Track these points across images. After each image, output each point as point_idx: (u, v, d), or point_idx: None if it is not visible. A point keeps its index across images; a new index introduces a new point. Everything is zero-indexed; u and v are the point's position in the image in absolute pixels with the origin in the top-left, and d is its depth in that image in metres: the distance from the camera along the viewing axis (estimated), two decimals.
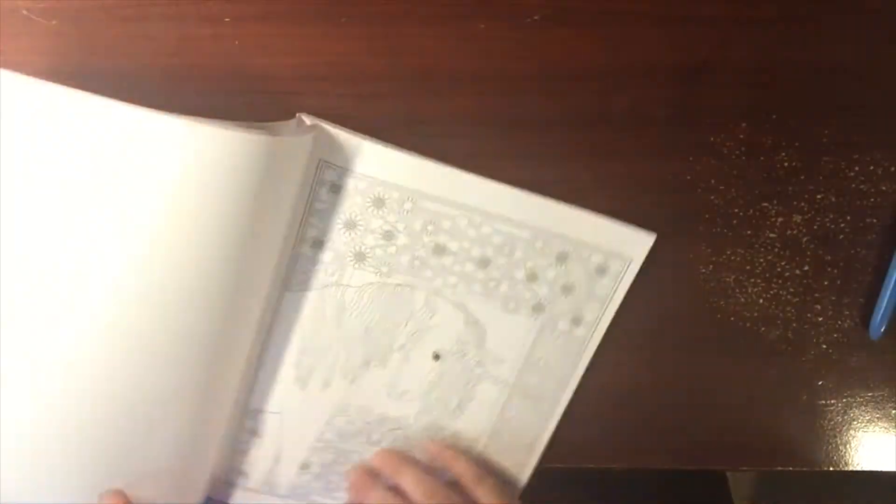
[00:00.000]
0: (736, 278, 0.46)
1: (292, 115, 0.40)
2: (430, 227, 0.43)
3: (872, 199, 0.44)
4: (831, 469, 0.51)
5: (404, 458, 0.48)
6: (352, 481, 0.48)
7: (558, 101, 0.41)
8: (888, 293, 0.45)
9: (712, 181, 0.43)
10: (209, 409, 0.43)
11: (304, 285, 0.44)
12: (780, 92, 0.41)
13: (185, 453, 0.43)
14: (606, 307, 0.45)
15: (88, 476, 0.41)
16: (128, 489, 0.42)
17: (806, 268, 0.46)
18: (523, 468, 0.49)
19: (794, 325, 0.47)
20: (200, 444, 0.44)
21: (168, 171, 0.34)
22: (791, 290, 0.46)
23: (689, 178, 0.43)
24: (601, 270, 0.44)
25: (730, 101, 0.41)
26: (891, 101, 0.41)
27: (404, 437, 0.48)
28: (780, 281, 0.46)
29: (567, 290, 0.44)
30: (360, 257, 0.43)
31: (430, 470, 0.47)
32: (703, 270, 0.45)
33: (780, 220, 0.44)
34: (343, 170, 0.41)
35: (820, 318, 0.47)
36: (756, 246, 0.45)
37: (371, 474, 0.48)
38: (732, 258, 0.45)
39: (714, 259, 0.45)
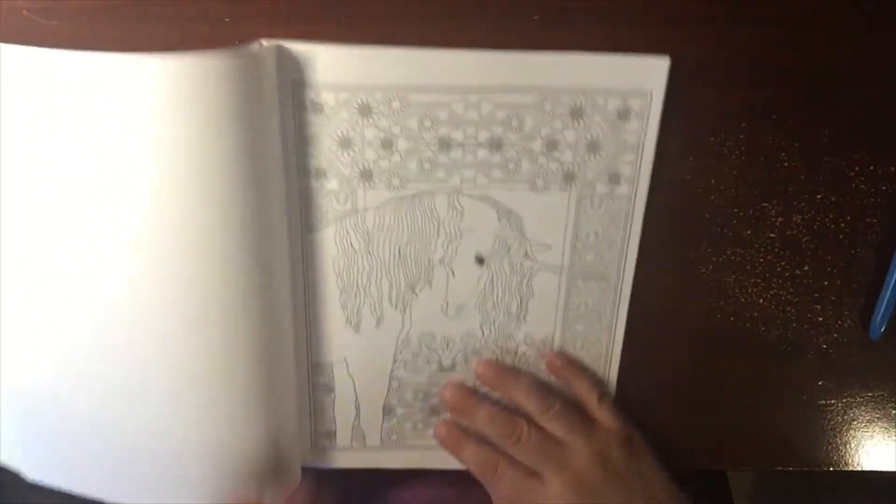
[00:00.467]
0: (736, 278, 0.46)
1: None
2: (427, 123, 0.39)
3: (872, 199, 0.44)
4: (831, 469, 0.51)
5: (510, 372, 0.46)
6: (442, 438, 0.47)
7: None
8: (888, 293, 0.45)
9: (712, 181, 0.43)
10: (271, 368, 0.42)
11: (323, 222, 0.42)
12: (780, 92, 0.41)
13: (268, 427, 0.43)
14: (642, 155, 0.41)
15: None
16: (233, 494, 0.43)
17: (806, 268, 0.45)
18: (606, 362, 0.47)
19: (794, 325, 0.47)
20: (277, 412, 0.43)
21: (139, 110, 0.34)
22: (791, 290, 0.46)
23: (688, 178, 0.43)
24: (623, 114, 0.40)
25: (730, 101, 0.41)
26: (891, 102, 0.41)
27: (475, 354, 0.46)
28: (780, 281, 0.46)
29: (593, 147, 0.41)
30: (366, 175, 0.41)
31: (540, 383, 0.46)
32: (703, 270, 0.45)
33: (780, 220, 0.44)
34: (318, 85, 0.38)
35: (820, 318, 0.47)
36: (756, 246, 0.45)
37: (459, 428, 0.46)
38: (732, 258, 0.45)
39: (714, 259, 0.45)
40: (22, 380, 0.42)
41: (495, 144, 0.40)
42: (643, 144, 0.41)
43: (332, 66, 0.38)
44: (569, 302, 0.45)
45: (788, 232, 0.44)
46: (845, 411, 0.49)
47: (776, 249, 0.45)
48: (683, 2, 0.38)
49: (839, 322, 0.47)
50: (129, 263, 0.38)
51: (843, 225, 0.44)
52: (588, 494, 0.42)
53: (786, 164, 0.42)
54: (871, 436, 0.50)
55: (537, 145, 0.40)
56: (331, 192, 0.41)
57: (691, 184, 0.43)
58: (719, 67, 0.40)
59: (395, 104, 0.39)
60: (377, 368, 0.46)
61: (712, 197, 0.43)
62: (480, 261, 0.43)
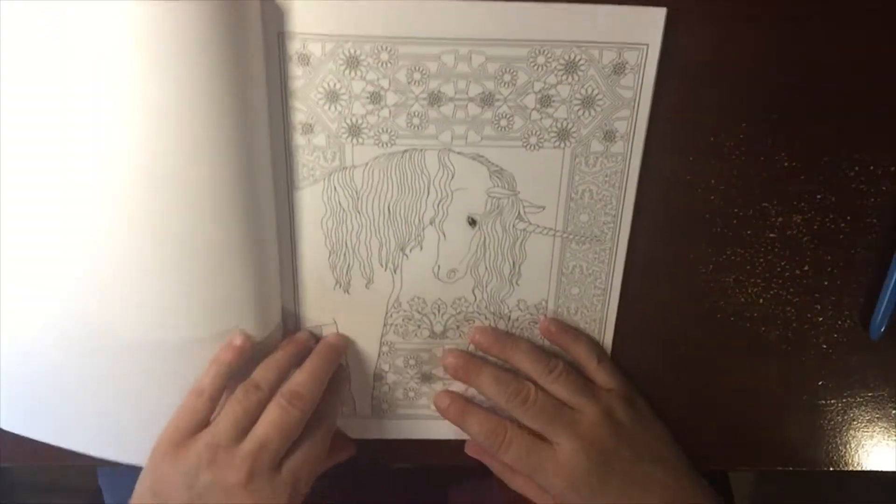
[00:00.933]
0: (736, 278, 0.46)
1: None
2: (416, 76, 0.39)
3: (872, 199, 0.43)
4: (831, 469, 0.51)
5: (507, 336, 0.45)
6: (444, 407, 0.45)
7: None
8: (888, 293, 0.44)
9: (712, 181, 0.43)
10: (259, 329, 0.42)
11: (309, 178, 0.41)
12: (780, 92, 0.41)
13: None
14: (637, 110, 0.40)
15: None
16: None
17: (806, 268, 0.45)
18: (601, 327, 0.46)
19: (794, 325, 0.47)
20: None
21: (117, 54, 0.34)
22: (791, 290, 0.46)
23: (688, 178, 0.43)
24: (618, 68, 0.39)
25: (730, 101, 0.41)
26: (891, 101, 0.41)
27: (467, 320, 0.45)
28: (780, 281, 0.46)
29: (588, 103, 0.40)
30: (354, 131, 0.40)
31: (539, 346, 0.45)
32: (703, 270, 0.45)
33: (780, 220, 0.44)
34: (304, 36, 0.37)
35: (820, 318, 0.47)
36: (756, 246, 0.45)
37: (473, 355, 0.45)
38: (732, 258, 0.45)
39: (714, 259, 0.45)
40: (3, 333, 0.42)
41: (487, 100, 0.40)
42: (639, 100, 0.40)
43: (318, 15, 0.37)
44: (563, 265, 0.44)
45: (788, 232, 0.44)
46: (845, 411, 0.49)
47: (776, 249, 0.45)
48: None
49: (839, 322, 0.47)
50: (111, 218, 0.38)
51: (843, 225, 0.44)
52: (599, 454, 0.41)
53: (786, 164, 0.42)
54: (871, 436, 0.50)
55: (530, 101, 0.40)
56: (318, 148, 0.40)
57: (691, 184, 0.43)
58: (719, 67, 0.40)
59: (384, 56, 0.38)
60: (367, 333, 0.46)
61: (712, 197, 0.43)
62: (473, 222, 0.42)
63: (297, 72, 0.39)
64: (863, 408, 0.49)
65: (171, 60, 0.35)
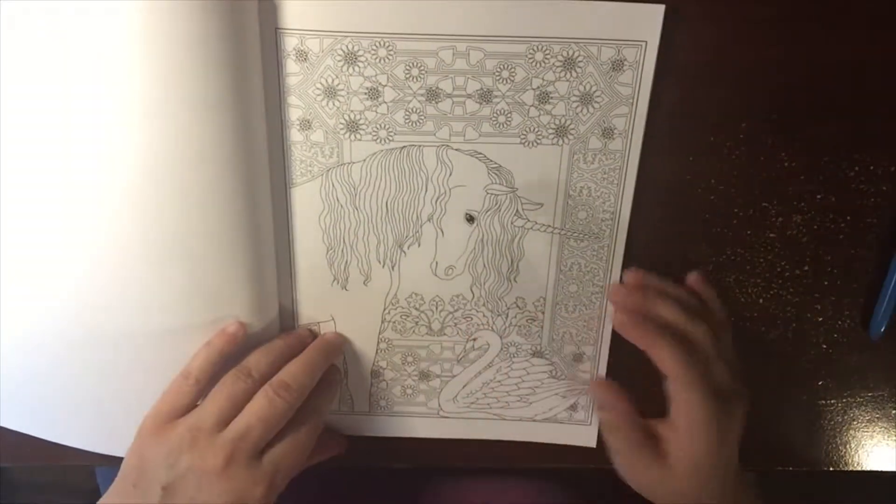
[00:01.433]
0: (736, 278, 0.46)
1: None
2: (414, 72, 0.39)
3: (872, 199, 0.43)
4: (831, 469, 0.51)
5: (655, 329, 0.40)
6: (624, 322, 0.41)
7: None
8: (888, 293, 0.44)
9: (712, 181, 0.43)
10: (256, 325, 0.42)
11: (307, 175, 0.41)
12: (780, 92, 0.41)
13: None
14: (636, 107, 0.40)
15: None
16: None
17: (806, 268, 0.45)
18: (600, 325, 0.46)
19: (794, 325, 0.47)
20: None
21: (115, 49, 0.34)
22: (791, 290, 0.46)
23: (688, 177, 0.43)
24: (616, 65, 0.39)
25: (730, 101, 0.41)
26: (891, 101, 0.41)
27: (465, 317, 0.45)
28: (780, 281, 0.46)
29: (586, 100, 0.40)
30: (352, 127, 0.40)
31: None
32: (703, 270, 0.45)
33: (780, 220, 0.44)
34: (302, 32, 0.37)
35: (820, 318, 0.47)
36: (756, 246, 0.45)
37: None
38: (732, 258, 0.45)
39: (714, 259, 0.45)
40: None
41: (485, 96, 0.40)
42: (637, 97, 0.40)
43: (315, 11, 0.37)
44: (561, 262, 0.44)
45: (788, 232, 0.44)
46: (845, 411, 0.49)
47: (776, 249, 0.45)
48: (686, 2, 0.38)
49: (839, 322, 0.47)
50: (109, 215, 0.38)
51: (843, 225, 0.44)
52: (721, 441, 0.40)
53: (786, 164, 0.42)
54: (871, 436, 0.50)
55: (528, 97, 0.40)
56: (316, 145, 0.41)
57: (691, 184, 0.43)
58: (720, 67, 0.40)
59: (382, 52, 0.38)
60: (365, 329, 0.46)
61: (712, 197, 0.43)
62: (470, 219, 0.42)
63: (294, 68, 0.39)
64: (863, 408, 0.49)
65: (169, 57, 0.35)
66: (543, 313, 0.45)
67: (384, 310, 0.45)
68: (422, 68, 0.39)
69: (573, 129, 0.41)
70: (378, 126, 0.40)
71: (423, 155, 0.41)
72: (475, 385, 0.47)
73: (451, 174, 0.42)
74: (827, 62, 0.40)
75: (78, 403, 0.44)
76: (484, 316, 0.45)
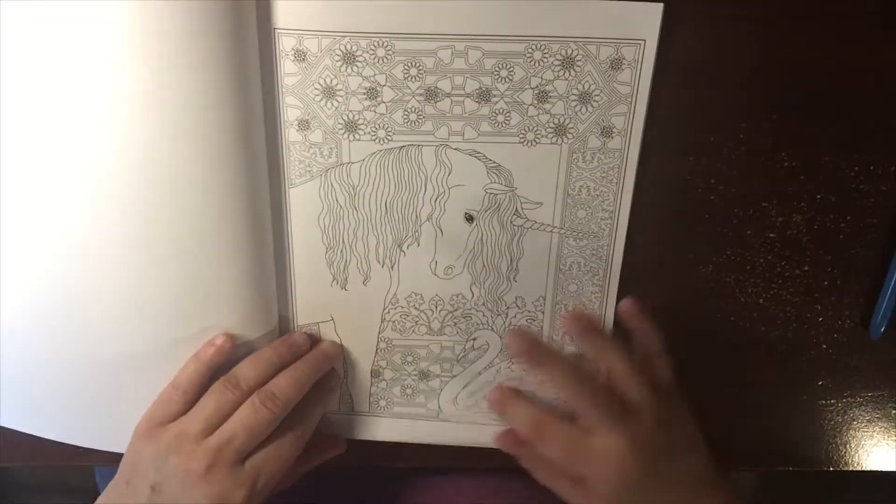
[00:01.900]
0: (736, 278, 0.45)
1: None
2: (412, 71, 0.39)
3: (872, 199, 0.43)
4: (831, 469, 0.51)
5: (547, 350, 0.40)
6: (520, 348, 0.40)
7: None
8: (888, 293, 0.44)
9: (712, 181, 0.43)
10: (256, 327, 0.42)
11: (306, 175, 0.41)
12: (780, 92, 0.41)
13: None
14: (634, 106, 0.40)
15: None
16: None
17: (806, 268, 0.45)
18: (600, 323, 0.45)
19: (794, 325, 0.47)
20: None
21: (112, 50, 0.35)
22: (791, 290, 0.46)
23: (688, 178, 0.43)
24: (615, 64, 0.39)
25: (730, 101, 0.41)
26: (890, 101, 0.41)
27: (464, 317, 0.45)
28: (780, 281, 0.46)
29: (584, 99, 0.40)
30: (351, 127, 0.40)
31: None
32: (703, 270, 0.45)
33: (780, 220, 0.44)
34: (300, 32, 0.37)
35: (820, 318, 0.47)
36: (756, 246, 0.45)
37: (512, 390, 0.42)
38: (732, 258, 0.45)
39: (714, 259, 0.45)
40: None
41: (484, 95, 0.39)
42: (636, 95, 0.39)
43: (314, 11, 0.37)
44: (560, 262, 0.44)
45: (788, 232, 0.44)
46: (845, 411, 0.49)
47: (776, 249, 0.45)
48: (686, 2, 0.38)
49: (839, 322, 0.47)
50: (107, 217, 0.38)
51: (843, 225, 0.44)
52: (650, 452, 0.39)
53: (786, 164, 0.42)
54: (871, 436, 0.50)
55: (527, 96, 0.40)
56: (314, 145, 0.40)
57: (691, 184, 0.43)
58: (720, 67, 0.40)
59: (380, 52, 0.38)
60: (365, 329, 0.46)
61: (712, 197, 0.43)
62: (470, 218, 0.42)
63: (292, 68, 0.39)
64: (863, 408, 0.49)
65: (168, 57, 0.35)
66: (543, 313, 0.45)
67: (384, 309, 0.45)
68: (420, 68, 0.39)
69: (572, 128, 0.40)
70: (377, 126, 0.40)
71: (422, 154, 0.41)
72: (475, 386, 0.47)
73: (450, 174, 0.41)
74: (827, 62, 0.40)
75: (76, 401, 0.44)
76: (483, 315, 0.45)
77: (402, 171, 0.41)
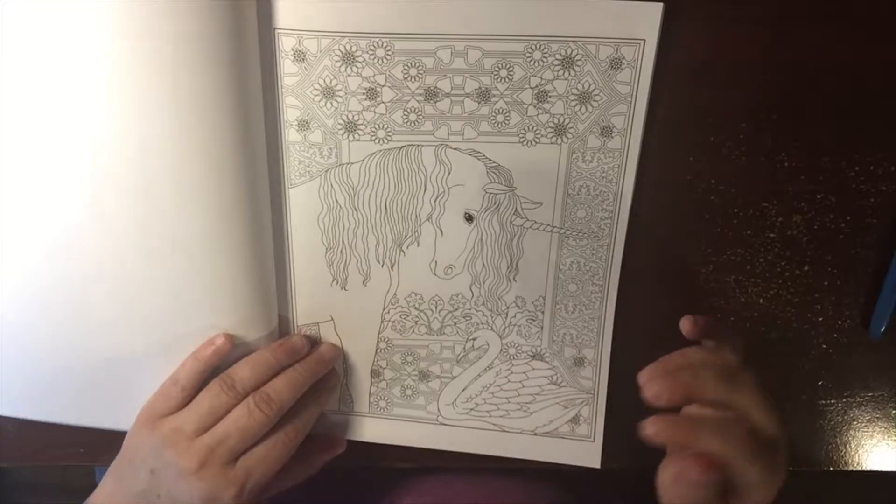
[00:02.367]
0: (736, 278, 0.45)
1: None
2: (412, 71, 0.39)
3: (872, 199, 0.43)
4: (831, 469, 0.51)
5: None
6: (661, 433, 0.35)
7: None
8: (888, 293, 0.44)
9: (712, 181, 0.43)
10: (256, 326, 0.42)
11: (305, 175, 0.41)
12: (780, 92, 0.41)
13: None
14: (634, 105, 0.40)
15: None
16: None
17: (806, 268, 0.45)
18: (600, 325, 0.45)
19: (794, 325, 0.47)
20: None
21: (123, 50, 0.35)
22: (791, 290, 0.46)
23: (689, 178, 0.43)
24: (615, 63, 0.39)
25: (730, 101, 0.41)
26: (891, 101, 0.41)
27: (464, 317, 0.45)
28: (780, 281, 0.46)
29: (584, 98, 0.39)
30: (350, 127, 0.40)
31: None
32: (703, 270, 0.45)
33: (780, 220, 0.44)
34: (300, 32, 0.38)
35: (820, 318, 0.47)
36: (756, 246, 0.45)
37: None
38: (732, 258, 0.45)
39: (714, 259, 0.45)
40: None
41: (483, 95, 0.40)
42: (636, 95, 0.39)
43: (313, 12, 0.37)
44: (560, 262, 0.44)
45: (788, 232, 0.44)
46: (845, 411, 0.49)
47: (776, 249, 0.45)
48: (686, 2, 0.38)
49: (839, 322, 0.47)
50: (108, 216, 0.39)
51: (843, 225, 0.44)
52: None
53: (786, 164, 0.42)
54: (871, 436, 0.50)
55: (527, 96, 0.40)
56: (314, 145, 0.41)
57: (691, 184, 0.43)
58: (719, 67, 0.40)
59: (380, 52, 0.38)
60: (365, 329, 0.45)
61: (712, 197, 0.43)
62: (469, 218, 0.42)
63: (292, 68, 0.39)
64: (863, 408, 0.49)
65: (167, 57, 0.35)
66: (543, 313, 0.45)
67: (384, 309, 0.45)
68: (420, 68, 0.39)
69: (572, 127, 0.40)
70: (376, 126, 0.40)
71: (421, 154, 0.41)
72: (475, 389, 0.47)
73: (449, 173, 0.41)
74: (827, 62, 0.40)
75: (76, 385, 0.45)
76: (483, 315, 0.45)
77: (402, 171, 0.41)
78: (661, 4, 0.37)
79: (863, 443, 0.50)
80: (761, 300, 0.46)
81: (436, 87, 0.39)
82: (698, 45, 0.39)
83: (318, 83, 0.39)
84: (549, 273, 0.44)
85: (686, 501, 0.38)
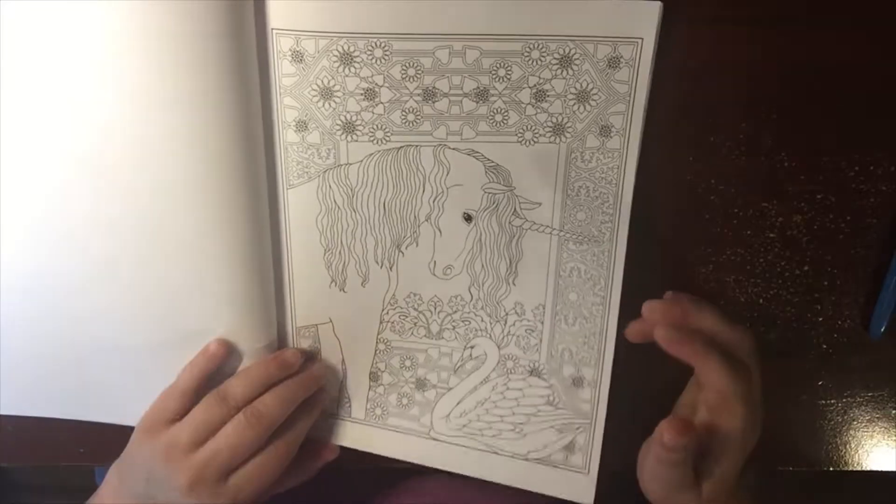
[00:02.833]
0: (736, 278, 0.45)
1: None
2: (410, 72, 0.39)
3: (872, 199, 0.43)
4: (831, 469, 0.51)
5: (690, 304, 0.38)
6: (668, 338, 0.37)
7: None
8: (888, 293, 0.44)
9: (712, 181, 0.43)
10: (255, 325, 0.43)
11: (304, 176, 0.41)
12: (780, 92, 0.41)
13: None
14: (633, 104, 0.39)
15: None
16: None
17: (806, 268, 0.45)
18: (602, 335, 0.44)
19: (794, 325, 0.47)
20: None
21: (121, 50, 0.35)
22: (791, 290, 0.46)
23: (689, 178, 0.43)
24: (613, 62, 0.38)
25: (730, 101, 0.41)
26: (891, 101, 0.41)
27: (463, 320, 0.45)
28: (780, 281, 0.46)
29: (582, 97, 0.39)
30: (349, 128, 0.40)
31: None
32: (703, 270, 0.45)
33: (780, 220, 0.44)
34: (298, 33, 0.38)
35: (820, 318, 0.47)
36: (756, 246, 0.45)
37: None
38: (732, 258, 0.45)
39: (714, 259, 0.45)
40: None
41: (481, 95, 0.39)
42: (634, 94, 0.39)
43: (311, 12, 0.37)
44: (560, 267, 0.43)
45: (788, 232, 0.44)
46: (845, 411, 0.49)
47: (776, 249, 0.45)
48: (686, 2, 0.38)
49: (839, 322, 0.47)
50: (106, 217, 0.39)
51: (843, 225, 0.44)
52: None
53: (786, 164, 0.42)
54: (871, 436, 0.50)
55: (525, 95, 0.39)
56: (312, 146, 0.40)
57: (691, 184, 0.43)
58: (719, 67, 0.40)
59: (378, 52, 0.38)
60: (363, 331, 0.45)
61: (712, 197, 0.43)
62: (468, 218, 0.42)
63: (290, 69, 0.39)
64: (863, 408, 0.49)
65: (165, 57, 0.35)
66: (542, 323, 0.45)
67: (382, 310, 0.45)
68: (418, 68, 0.39)
69: (570, 126, 0.40)
70: (375, 126, 0.40)
71: (420, 155, 0.41)
72: (469, 403, 0.46)
73: (448, 174, 0.41)
74: (827, 62, 0.40)
75: (75, 381, 0.45)
76: (482, 320, 0.45)
77: (401, 171, 0.41)
78: (659, 3, 0.37)
79: (863, 443, 0.50)
80: (761, 300, 0.46)
81: (434, 87, 0.39)
82: (698, 44, 0.39)
83: (316, 84, 0.39)
84: (548, 278, 0.44)
85: (664, 480, 0.39)
